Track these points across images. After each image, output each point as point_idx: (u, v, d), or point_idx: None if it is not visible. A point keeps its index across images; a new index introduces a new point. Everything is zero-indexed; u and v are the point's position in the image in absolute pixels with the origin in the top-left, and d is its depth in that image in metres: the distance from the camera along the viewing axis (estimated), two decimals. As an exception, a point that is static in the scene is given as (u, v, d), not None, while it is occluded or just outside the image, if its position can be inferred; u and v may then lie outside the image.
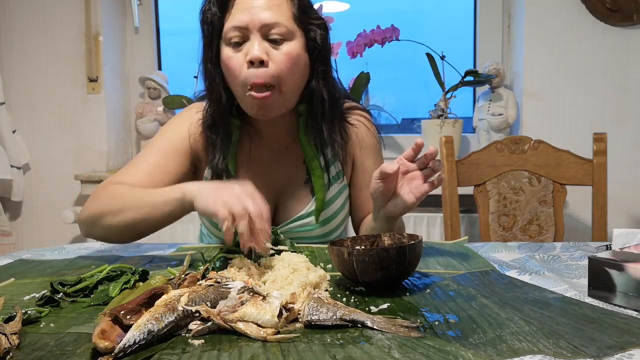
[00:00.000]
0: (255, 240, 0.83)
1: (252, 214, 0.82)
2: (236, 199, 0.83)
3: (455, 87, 1.98)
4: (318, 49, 1.05)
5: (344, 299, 0.74)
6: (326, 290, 0.77)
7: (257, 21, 0.98)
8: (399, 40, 1.95)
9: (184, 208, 0.93)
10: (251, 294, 0.65)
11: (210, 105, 1.09)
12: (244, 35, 1.00)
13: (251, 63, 0.98)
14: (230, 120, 1.09)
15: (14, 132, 2.11)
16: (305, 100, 1.09)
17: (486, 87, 2.06)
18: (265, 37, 0.99)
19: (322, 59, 1.06)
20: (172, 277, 0.78)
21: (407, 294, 0.76)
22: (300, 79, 1.04)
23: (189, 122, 1.13)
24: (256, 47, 0.98)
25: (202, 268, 0.83)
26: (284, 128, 1.12)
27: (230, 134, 1.10)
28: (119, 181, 1.05)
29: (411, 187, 0.94)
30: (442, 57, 1.97)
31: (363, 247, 0.88)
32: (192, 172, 1.15)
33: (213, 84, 1.06)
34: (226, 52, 1.01)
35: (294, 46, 1.01)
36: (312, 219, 1.13)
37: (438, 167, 0.91)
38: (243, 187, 0.86)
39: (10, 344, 0.58)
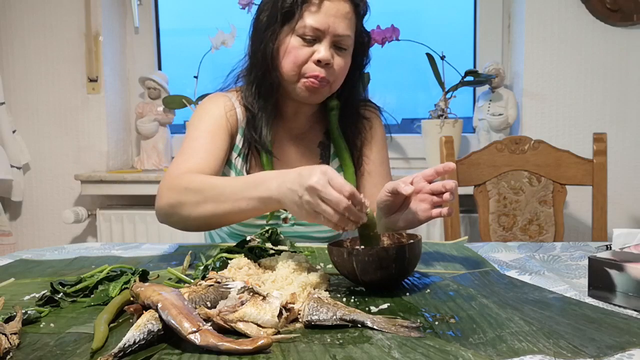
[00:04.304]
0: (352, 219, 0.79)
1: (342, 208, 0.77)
2: (325, 204, 0.78)
3: (455, 87, 1.98)
4: (360, 57, 1.19)
5: (344, 299, 0.74)
6: (326, 290, 0.77)
7: (334, 30, 1.08)
8: (399, 40, 1.95)
9: (268, 207, 0.93)
10: (251, 294, 0.64)
11: (257, 81, 1.15)
12: (317, 36, 1.09)
13: (318, 62, 1.08)
14: (273, 97, 1.15)
15: (14, 132, 2.11)
16: (336, 96, 1.19)
17: (486, 87, 2.06)
18: (333, 43, 1.10)
19: (362, 66, 1.21)
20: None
21: (407, 294, 0.76)
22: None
23: (223, 102, 1.19)
24: (328, 50, 1.09)
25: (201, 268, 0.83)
26: (307, 115, 1.23)
27: (274, 109, 1.17)
28: (186, 169, 1.05)
29: (418, 209, 0.94)
30: (442, 57, 1.97)
31: (363, 247, 0.88)
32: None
33: (266, 61, 1.12)
34: (295, 41, 1.10)
35: (349, 56, 1.14)
36: None
37: (450, 200, 0.90)
38: (318, 178, 0.79)
39: (10, 344, 0.58)
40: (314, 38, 1.09)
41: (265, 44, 1.11)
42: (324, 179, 0.78)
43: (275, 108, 1.17)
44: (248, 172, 1.17)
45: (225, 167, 1.19)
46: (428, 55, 1.95)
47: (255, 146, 1.16)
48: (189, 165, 1.06)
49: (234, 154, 1.19)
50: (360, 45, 1.17)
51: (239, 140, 1.19)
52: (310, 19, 1.07)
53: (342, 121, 1.21)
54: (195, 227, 1.02)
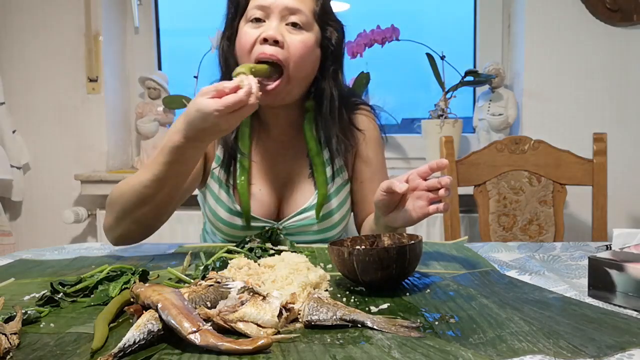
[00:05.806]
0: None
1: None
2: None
3: (455, 87, 1.98)
4: (331, 49, 1.09)
5: (344, 299, 0.74)
6: (326, 290, 0.77)
7: (280, 3, 1.02)
8: (399, 40, 1.95)
9: (181, 157, 0.92)
10: (251, 294, 0.64)
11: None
12: (265, 14, 1.03)
13: (265, 40, 1.01)
14: None
15: (14, 132, 2.10)
16: (312, 97, 1.12)
17: (486, 87, 2.06)
18: (285, 21, 1.03)
19: (334, 59, 1.11)
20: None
21: (407, 294, 0.76)
22: (309, 71, 1.08)
23: None
24: (274, 26, 1.02)
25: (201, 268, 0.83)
26: (289, 121, 1.15)
27: None
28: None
29: (415, 206, 0.93)
30: (442, 57, 1.97)
31: (363, 247, 0.88)
32: (203, 165, 1.16)
33: (227, 62, 1.09)
34: (243, 26, 1.05)
35: (309, 37, 1.05)
36: (313, 212, 1.14)
37: (446, 196, 0.90)
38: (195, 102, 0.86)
39: (10, 344, 0.58)
40: (262, 18, 1.03)
41: (224, 43, 1.10)
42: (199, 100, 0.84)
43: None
44: (232, 182, 1.13)
45: (209, 179, 1.15)
46: (428, 55, 1.95)
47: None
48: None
49: (214, 165, 1.14)
50: (324, 31, 1.08)
51: (220, 151, 1.14)
52: (254, 0, 1.04)
53: (320, 123, 1.13)
54: (135, 232, 1.04)
